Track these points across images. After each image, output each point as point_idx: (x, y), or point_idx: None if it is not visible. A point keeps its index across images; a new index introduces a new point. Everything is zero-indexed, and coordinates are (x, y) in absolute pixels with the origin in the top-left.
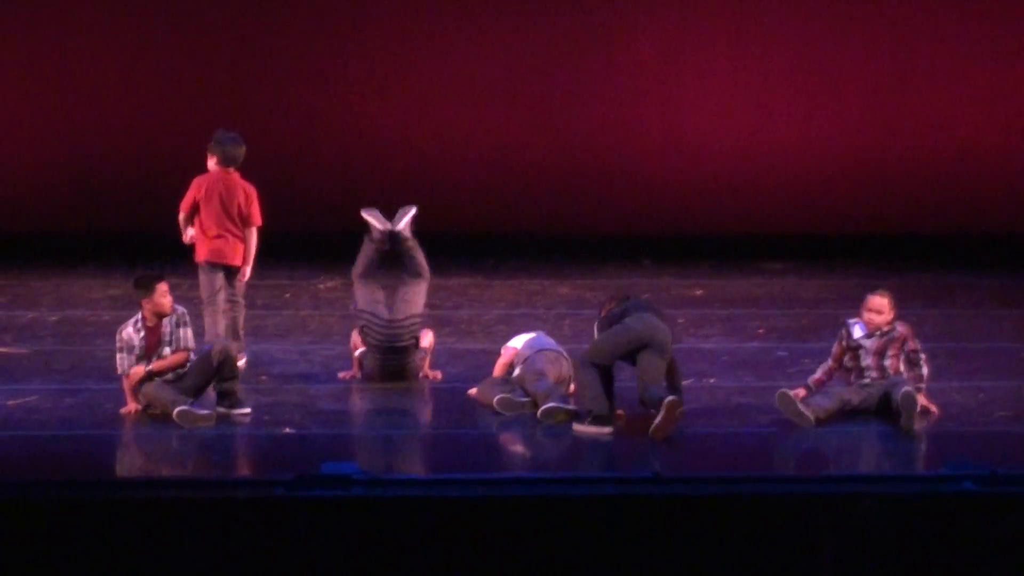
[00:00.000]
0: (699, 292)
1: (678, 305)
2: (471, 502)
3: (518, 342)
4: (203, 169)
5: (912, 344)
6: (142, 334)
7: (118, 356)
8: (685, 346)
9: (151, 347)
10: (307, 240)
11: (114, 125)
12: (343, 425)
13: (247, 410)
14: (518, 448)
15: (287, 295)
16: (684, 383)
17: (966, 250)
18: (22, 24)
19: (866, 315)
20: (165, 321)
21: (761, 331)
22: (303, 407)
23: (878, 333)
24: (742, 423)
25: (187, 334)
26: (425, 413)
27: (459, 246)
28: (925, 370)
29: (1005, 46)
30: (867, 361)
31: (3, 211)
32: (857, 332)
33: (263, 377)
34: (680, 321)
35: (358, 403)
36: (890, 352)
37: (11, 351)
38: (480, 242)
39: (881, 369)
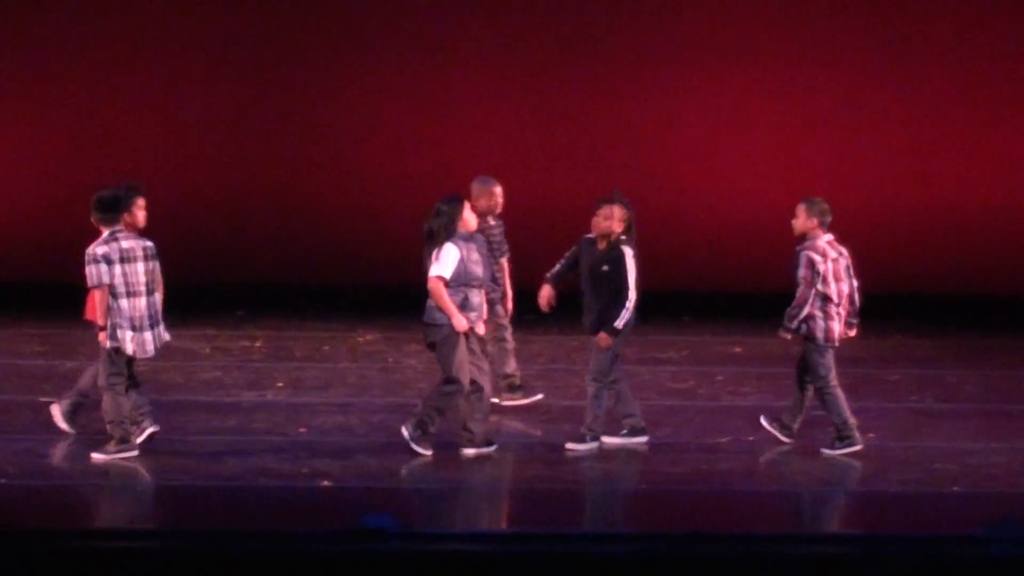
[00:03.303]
0: (738, 349)
1: (717, 363)
2: (511, 558)
3: (446, 271)
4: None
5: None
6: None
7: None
8: (724, 404)
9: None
10: (345, 293)
11: (158, 176)
12: (381, 478)
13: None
14: (555, 503)
15: (326, 348)
16: (723, 440)
17: (1005, 311)
18: (54, 74)
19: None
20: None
21: None
22: (341, 460)
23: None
24: (782, 482)
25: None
26: (464, 467)
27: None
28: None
29: None
30: None
31: (45, 259)
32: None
33: (301, 429)
34: (719, 379)
35: (397, 456)
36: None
37: (51, 400)
38: (519, 298)
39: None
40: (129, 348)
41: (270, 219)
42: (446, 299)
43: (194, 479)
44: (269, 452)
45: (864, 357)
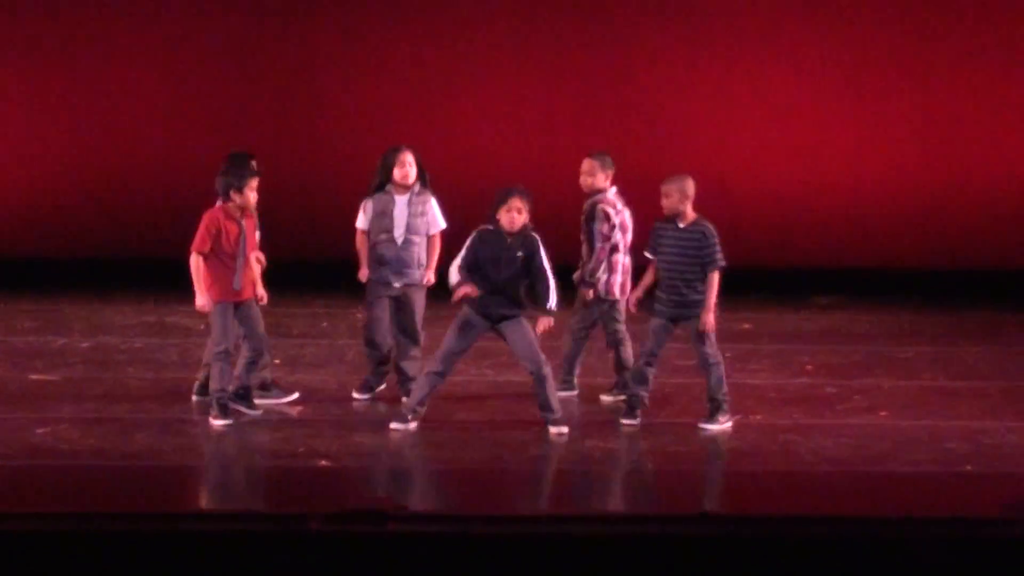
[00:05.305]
0: (747, 326)
1: (726, 339)
2: (511, 540)
3: (359, 222)
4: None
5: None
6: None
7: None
8: (732, 381)
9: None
10: (344, 268)
11: (151, 150)
12: (381, 458)
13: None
14: (560, 484)
15: (324, 324)
16: (733, 420)
17: (1020, 286)
18: (56, 50)
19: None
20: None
21: (810, 367)
22: (340, 439)
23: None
24: (790, 462)
25: None
26: (464, 447)
27: None
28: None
29: None
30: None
31: (36, 235)
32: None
33: (299, 408)
34: (728, 355)
35: (396, 436)
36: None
37: (42, 377)
38: None
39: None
40: None
41: (268, 195)
42: (357, 247)
43: (187, 458)
44: (265, 431)
45: (876, 334)
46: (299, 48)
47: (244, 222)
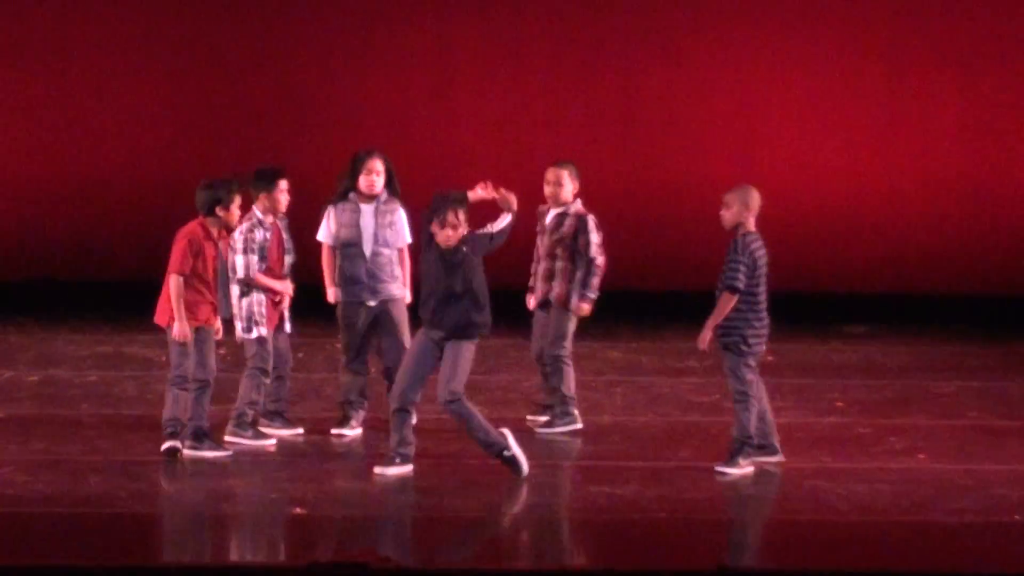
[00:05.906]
0: (770, 358)
1: None
2: None
3: (321, 235)
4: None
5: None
6: (267, 234)
7: (245, 258)
8: None
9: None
10: (320, 295)
11: (103, 165)
12: (361, 506)
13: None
14: (560, 535)
15: (300, 355)
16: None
17: None
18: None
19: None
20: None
21: (840, 404)
22: (317, 484)
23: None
24: (819, 510)
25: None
26: (452, 494)
27: (497, 302)
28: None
29: None
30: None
31: None
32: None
33: (271, 448)
34: None
35: (378, 481)
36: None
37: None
38: (521, 298)
39: (551, 259)
40: None
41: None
42: (323, 265)
43: (148, 506)
44: (235, 475)
45: (914, 367)
46: (276, 58)
47: (220, 243)
